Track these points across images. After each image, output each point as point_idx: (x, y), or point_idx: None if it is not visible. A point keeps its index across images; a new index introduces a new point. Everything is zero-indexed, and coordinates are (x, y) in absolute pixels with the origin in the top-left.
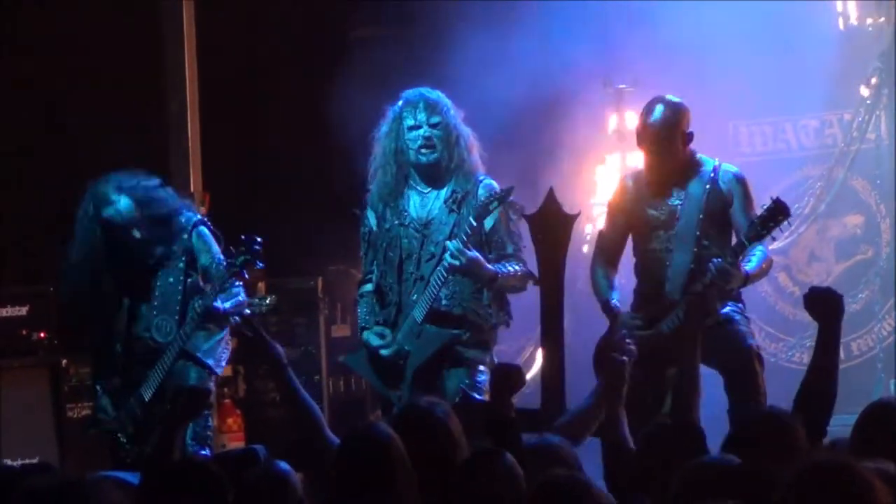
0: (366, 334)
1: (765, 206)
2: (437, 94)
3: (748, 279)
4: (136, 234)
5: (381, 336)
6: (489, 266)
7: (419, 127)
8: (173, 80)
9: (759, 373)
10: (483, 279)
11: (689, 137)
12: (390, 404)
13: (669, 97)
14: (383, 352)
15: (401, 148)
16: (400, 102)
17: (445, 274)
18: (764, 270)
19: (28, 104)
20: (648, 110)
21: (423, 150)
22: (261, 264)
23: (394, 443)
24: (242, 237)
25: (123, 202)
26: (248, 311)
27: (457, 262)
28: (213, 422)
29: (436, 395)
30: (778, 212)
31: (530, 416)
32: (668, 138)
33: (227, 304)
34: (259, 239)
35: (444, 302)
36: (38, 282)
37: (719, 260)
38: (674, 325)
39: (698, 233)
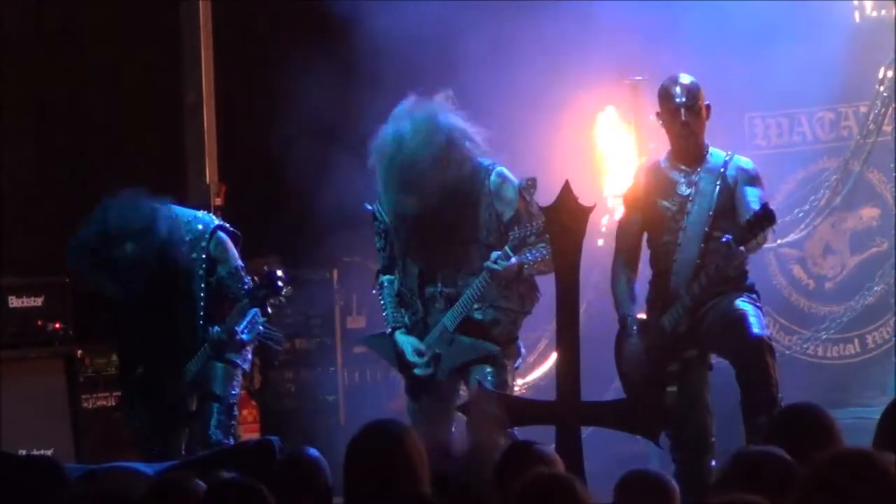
0: (400, 338)
1: (753, 212)
2: (409, 128)
3: (746, 252)
4: (128, 249)
5: (420, 353)
6: (513, 259)
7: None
8: (190, 73)
9: (770, 364)
10: (511, 275)
11: (709, 109)
12: (416, 395)
13: (683, 74)
14: (418, 371)
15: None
16: (386, 129)
17: (480, 291)
18: (763, 240)
19: (46, 97)
20: (672, 83)
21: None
22: (282, 299)
23: (408, 437)
24: (265, 268)
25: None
26: (261, 328)
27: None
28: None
29: (461, 388)
30: (764, 219)
31: (546, 409)
32: (695, 107)
33: (244, 335)
34: (280, 273)
35: (475, 307)
36: (53, 272)
37: (727, 238)
38: (674, 320)
39: (707, 229)
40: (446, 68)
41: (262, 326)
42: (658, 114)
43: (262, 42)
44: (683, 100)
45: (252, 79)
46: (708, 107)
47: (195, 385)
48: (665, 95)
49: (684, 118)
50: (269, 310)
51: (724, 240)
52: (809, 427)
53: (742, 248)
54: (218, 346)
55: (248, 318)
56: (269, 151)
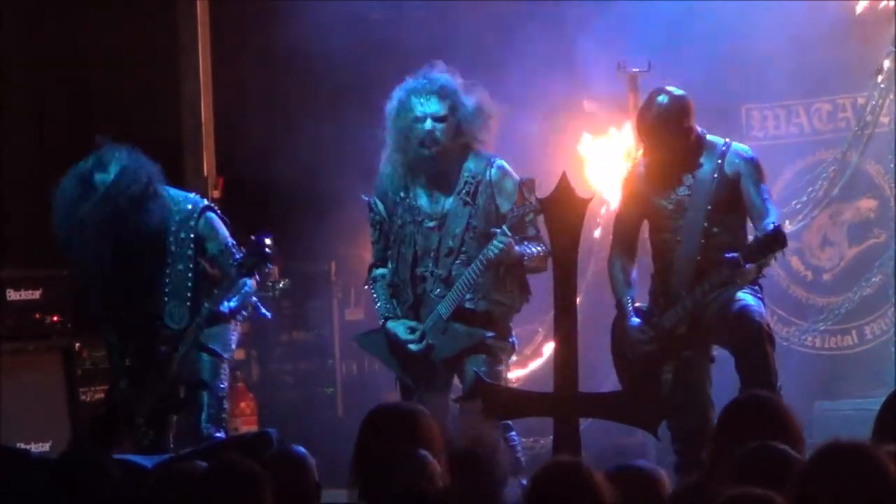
0: (391, 325)
1: (765, 232)
2: (443, 81)
3: (760, 268)
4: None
5: (412, 330)
6: (516, 248)
7: (423, 119)
8: (187, 66)
9: (769, 352)
10: (511, 259)
11: (689, 132)
12: (409, 389)
13: (671, 89)
14: (413, 346)
15: (407, 137)
16: (406, 88)
17: (476, 276)
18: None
19: (45, 88)
20: (648, 101)
21: (426, 146)
22: (270, 265)
23: (422, 415)
24: (253, 238)
25: (113, 169)
26: (254, 299)
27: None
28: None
29: (455, 380)
30: (775, 242)
31: (544, 400)
32: (665, 132)
33: (233, 303)
34: (268, 240)
35: (468, 297)
36: (51, 265)
37: (734, 255)
38: (674, 321)
39: (706, 224)
40: (454, 56)
41: (255, 299)
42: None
43: (259, 35)
44: (648, 127)
45: (249, 71)
46: (688, 129)
47: (182, 374)
48: (637, 116)
49: (642, 151)
50: (259, 276)
51: (729, 256)
52: (760, 417)
53: (748, 265)
54: (210, 321)
55: (240, 292)
56: (267, 144)
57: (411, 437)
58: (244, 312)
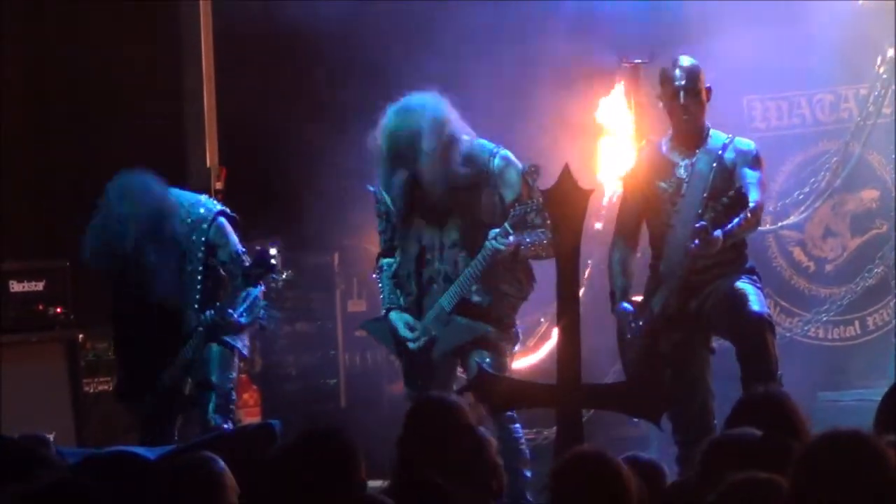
0: (393, 316)
1: (729, 195)
2: (415, 115)
3: (727, 238)
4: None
5: (411, 329)
6: (511, 238)
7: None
8: (188, 56)
9: (770, 340)
10: (507, 255)
11: (709, 92)
12: (413, 380)
13: (683, 57)
14: (411, 345)
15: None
16: (386, 122)
17: (480, 270)
18: (749, 224)
19: (47, 79)
20: (672, 67)
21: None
22: (275, 276)
23: (462, 408)
24: (257, 249)
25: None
26: (262, 312)
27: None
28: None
29: (459, 372)
30: (738, 201)
31: (547, 391)
32: (695, 89)
33: (244, 319)
34: (273, 251)
35: (474, 289)
36: (54, 256)
37: (702, 223)
38: (661, 302)
39: (700, 210)
40: (446, 53)
41: (263, 310)
42: (659, 96)
43: (262, 24)
44: (683, 83)
45: (252, 62)
46: (708, 89)
47: (191, 370)
48: (665, 78)
49: (683, 101)
50: (265, 289)
51: (698, 225)
52: (774, 413)
53: (719, 232)
54: (212, 330)
55: (247, 301)
56: (270, 135)
57: (456, 427)
58: (259, 322)
